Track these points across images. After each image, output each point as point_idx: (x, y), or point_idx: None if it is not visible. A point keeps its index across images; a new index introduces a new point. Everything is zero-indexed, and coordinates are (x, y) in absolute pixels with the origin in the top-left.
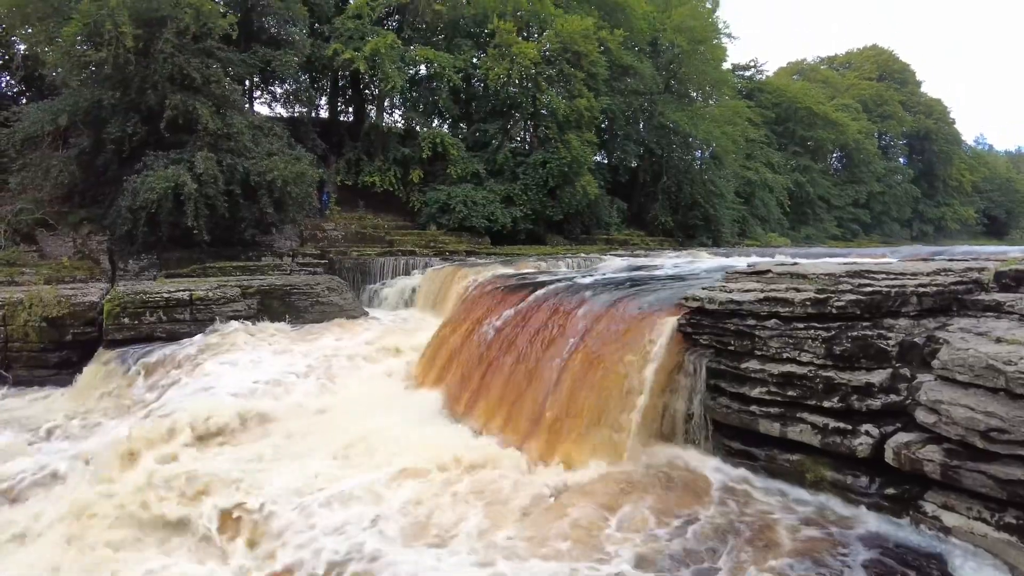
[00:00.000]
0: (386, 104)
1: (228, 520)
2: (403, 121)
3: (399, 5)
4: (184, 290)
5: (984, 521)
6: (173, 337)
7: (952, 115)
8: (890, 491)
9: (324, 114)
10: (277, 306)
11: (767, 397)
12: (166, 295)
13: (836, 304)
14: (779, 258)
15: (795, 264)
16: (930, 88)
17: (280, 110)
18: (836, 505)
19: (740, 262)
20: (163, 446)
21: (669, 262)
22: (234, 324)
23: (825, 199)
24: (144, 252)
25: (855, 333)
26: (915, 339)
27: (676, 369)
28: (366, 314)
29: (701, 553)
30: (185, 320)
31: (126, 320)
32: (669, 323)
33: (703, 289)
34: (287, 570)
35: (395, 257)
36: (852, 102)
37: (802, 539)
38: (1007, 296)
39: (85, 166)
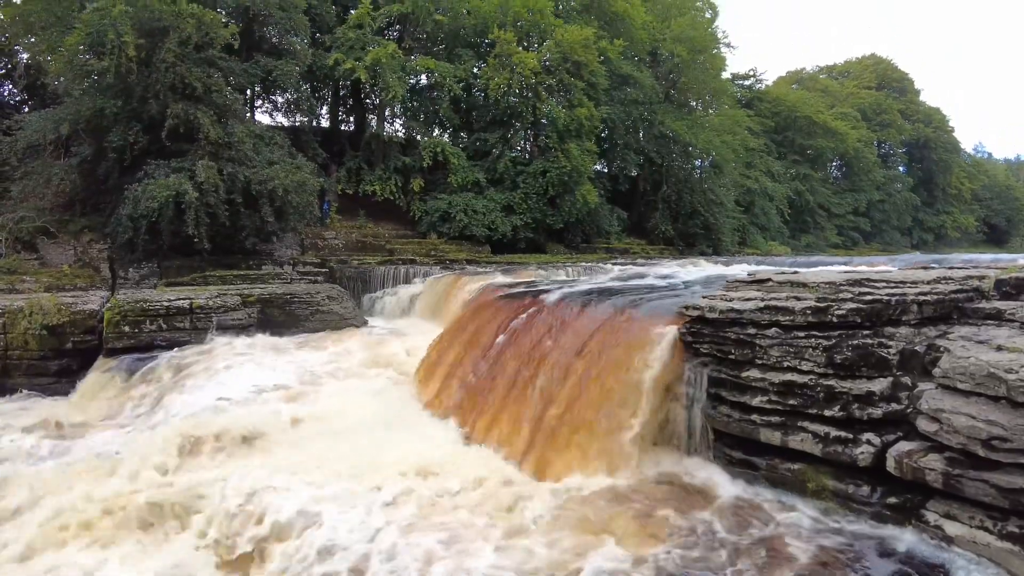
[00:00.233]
0: (387, 113)
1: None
2: (404, 130)
3: (400, 15)
4: (184, 299)
5: (987, 530)
6: (173, 346)
7: (951, 123)
8: (892, 500)
9: (325, 123)
10: (277, 315)
11: (768, 406)
12: (166, 303)
13: (837, 313)
14: (763, 267)
15: (795, 273)
16: (929, 94)
17: (281, 119)
18: (838, 515)
19: (740, 270)
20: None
21: (669, 271)
22: (234, 333)
23: (825, 207)
24: (145, 260)
25: (856, 342)
26: (916, 347)
27: (677, 378)
28: (366, 323)
29: (704, 568)
30: (185, 328)
31: (126, 328)
32: (669, 332)
33: (703, 298)
34: None
35: (395, 266)
36: (851, 111)
37: (805, 551)
38: (1008, 304)
39: (86, 174)
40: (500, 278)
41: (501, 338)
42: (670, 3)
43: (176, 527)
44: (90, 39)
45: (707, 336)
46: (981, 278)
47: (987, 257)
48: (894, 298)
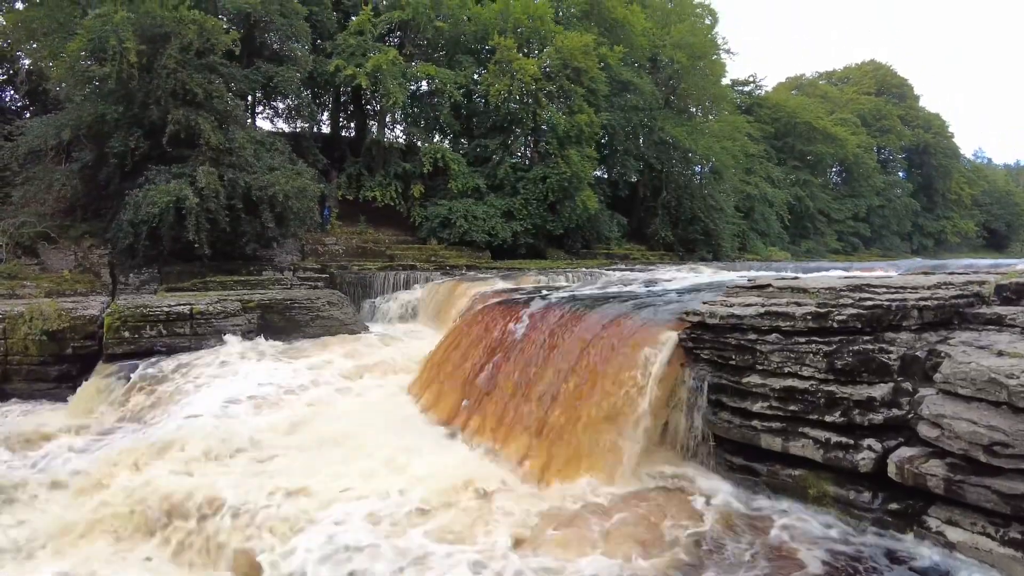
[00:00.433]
0: (387, 119)
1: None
2: (404, 136)
3: (401, 22)
4: (185, 304)
5: (989, 536)
6: (173, 351)
7: (951, 129)
8: (893, 506)
9: (326, 129)
10: (278, 320)
11: (769, 412)
12: (167, 309)
13: (837, 318)
14: (763, 272)
15: (796, 278)
16: (928, 99)
17: (282, 125)
18: (839, 521)
19: (740, 276)
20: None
21: (669, 276)
22: (234, 339)
23: (825, 213)
24: (145, 266)
25: (856, 347)
26: (917, 353)
27: (677, 384)
28: (367, 328)
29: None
30: (185, 334)
31: (126, 334)
32: (670, 338)
33: (704, 303)
34: None
35: (396, 271)
36: (851, 116)
37: (807, 558)
38: (1008, 309)
39: (87, 180)
40: (500, 284)
41: (501, 344)
42: (670, 10)
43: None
44: (92, 45)
45: (708, 342)
46: (981, 283)
47: (987, 262)
48: (894, 303)
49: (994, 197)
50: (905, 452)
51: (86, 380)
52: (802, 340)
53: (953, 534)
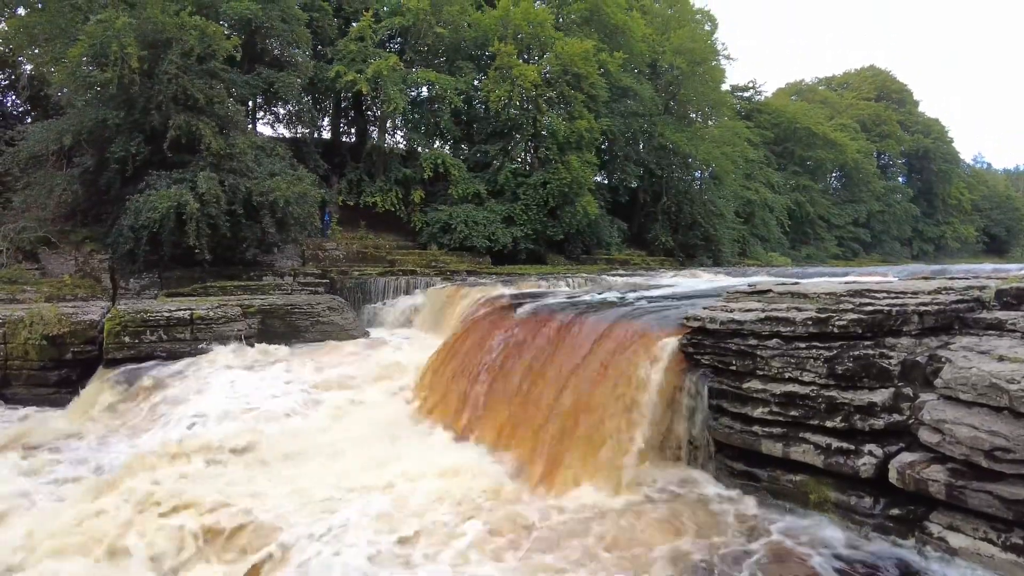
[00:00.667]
0: (388, 125)
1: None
2: (405, 142)
3: (401, 28)
4: (185, 309)
5: (991, 542)
6: (173, 356)
7: (950, 134)
8: (895, 512)
9: (326, 135)
10: (278, 325)
11: (769, 417)
12: (167, 314)
13: (837, 323)
14: (763, 278)
15: (796, 284)
16: (927, 103)
17: (283, 131)
18: (840, 527)
19: (740, 281)
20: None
21: (669, 281)
22: (234, 344)
23: (825, 218)
24: (145, 271)
25: (857, 352)
26: (917, 358)
27: (678, 390)
28: (367, 334)
29: None
30: (186, 339)
31: (127, 339)
32: (670, 343)
33: (704, 309)
34: None
35: (396, 277)
36: (851, 122)
37: (807, 563)
38: (1009, 314)
39: (88, 185)
40: (501, 289)
41: (501, 349)
42: (670, 16)
43: None
44: (93, 51)
45: (708, 347)
46: (982, 288)
47: (987, 267)
48: (895, 308)
49: (994, 202)
50: (906, 457)
51: (86, 385)
52: (803, 345)
53: (955, 540)
